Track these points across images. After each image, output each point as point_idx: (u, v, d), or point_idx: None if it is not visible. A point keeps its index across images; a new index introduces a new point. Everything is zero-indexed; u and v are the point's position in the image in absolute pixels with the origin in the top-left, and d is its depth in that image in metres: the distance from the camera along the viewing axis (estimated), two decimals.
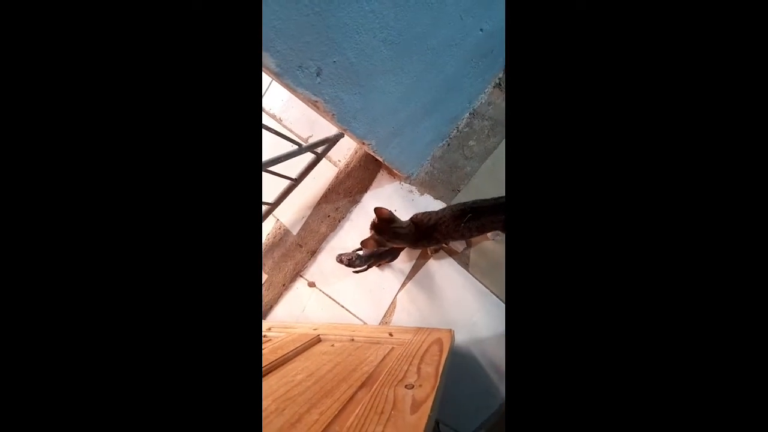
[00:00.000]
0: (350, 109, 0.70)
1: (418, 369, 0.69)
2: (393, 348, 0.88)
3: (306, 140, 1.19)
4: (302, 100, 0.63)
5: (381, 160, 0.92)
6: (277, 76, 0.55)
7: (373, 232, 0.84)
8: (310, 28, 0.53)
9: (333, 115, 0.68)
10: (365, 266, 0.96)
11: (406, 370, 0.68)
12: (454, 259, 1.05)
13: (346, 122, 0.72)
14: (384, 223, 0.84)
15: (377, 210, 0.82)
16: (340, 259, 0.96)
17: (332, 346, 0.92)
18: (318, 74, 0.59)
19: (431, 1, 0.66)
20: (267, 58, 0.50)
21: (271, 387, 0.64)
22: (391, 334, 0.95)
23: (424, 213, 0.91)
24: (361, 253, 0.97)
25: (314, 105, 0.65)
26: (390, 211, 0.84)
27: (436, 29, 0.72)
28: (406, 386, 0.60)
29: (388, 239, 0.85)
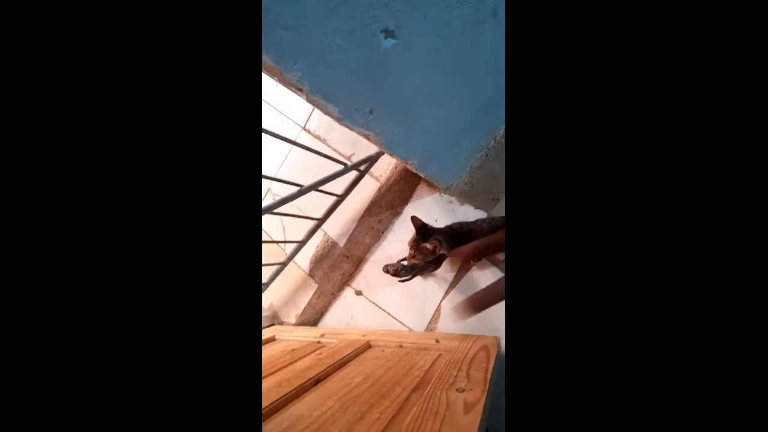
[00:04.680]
0: (396, 138, 0.78)
1: (467, 374, 0.72)
2: (441, 354, 0.92)
3: (349, 158, 1.28)
4: (357, 133, 0.72)
5: (421, 175, 0.98)
6: (339, 119, 0.65)
7: (416, 240, 0.90)
8: (366, 79, 0.62)
9: (382, 143, 0.77)
10: (410, 275, 1.01)
11: (456, 375, 0.72)
12: (497, 267, 1.07)
13: (392, 149, 0.80)
14: (422, 228, 0.90)
15: (414, 218, 0.88)
16: (386, 269, 1.02)
17: (383, 351, 0.98)
18: (371, 113, 0.68)
19: (470, 34, 0.72)
20: (330, 107, 0.59)
21: (332, 388, 0.71)
22: (437, 341, 0.99)
23: (462, 222, 0.96)
24: (405, 263, 1.02)
25: (366, 137, 0.74)
26: (421, 220, 0.90)
27: (474, 58, 0.78)
28: (457, 390, 0.64)
29: (431, 240, 0.90)
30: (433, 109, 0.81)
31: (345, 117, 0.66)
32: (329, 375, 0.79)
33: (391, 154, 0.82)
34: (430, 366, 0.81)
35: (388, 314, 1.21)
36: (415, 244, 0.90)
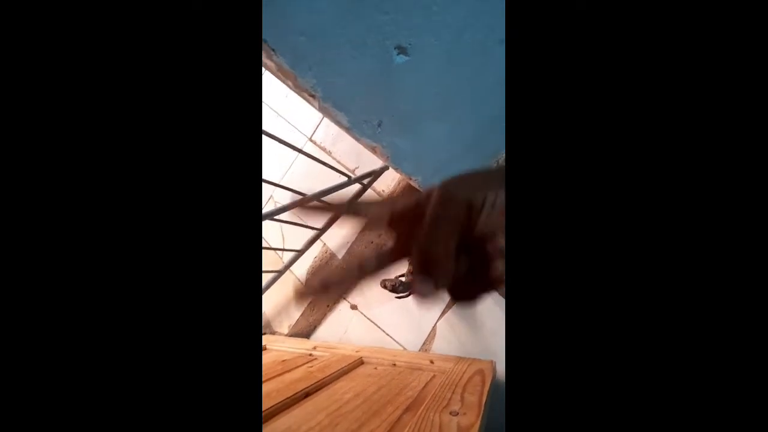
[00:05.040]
0: (402, 152, 0.79)
1: (462, 397, 0.70)
2: (435, 375, 0.90)
3: (353, 171, 1.28)
4: (363, 145, 0.73)
5: (421, 189, 0.99)
6: (347, 129, 0.66)
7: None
8: (377, 91, 0.64)
9: (387, 157, 0.77)
10: (408, 292, 1.00)
11: (450, 398, 0.70)
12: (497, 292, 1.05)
13: (398, 163, 0.80)
14: None
15: None
16: (383, 284, 1.01)
17: (375, 369, 0.95)
18: (379, 125, 0.69)
19: (479, 58, 0.74)
20: (340, 116, 0.60)
21: (322, 403, 0.68)
22: (432, 362, 0.97)
23: None
24: (404, 279, 1.01)
25: (373, 149, 0.74)
26: None
27: (482, 75, 0.79)
28: (450, 413, 0.62)
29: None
30: (440, 127, 0.82)
31: (354, 127, 0.67)
32: (319, 389, 0.77)
33: (396, 168, 0.83)
34: (424, 387, 0.79)
35: (383, 331, 1.19)
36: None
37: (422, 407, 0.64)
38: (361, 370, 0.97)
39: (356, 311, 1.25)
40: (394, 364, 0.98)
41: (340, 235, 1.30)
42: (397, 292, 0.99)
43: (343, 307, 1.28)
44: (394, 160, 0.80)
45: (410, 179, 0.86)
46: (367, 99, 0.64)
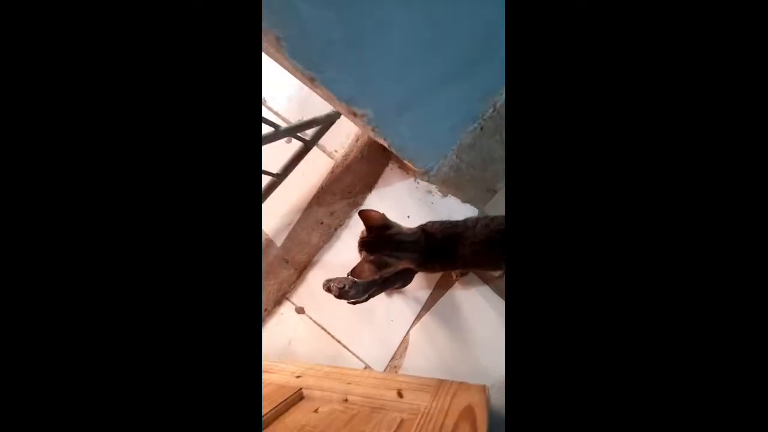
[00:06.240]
0: (351, 82, 0.47)
1: None
2: (403, 420, 0.61)
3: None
4: (301, 74, 0.44)
5: (386, 145, 0.64)
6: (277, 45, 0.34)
7: (364, 251, 0.57)
8: None
9: (330, 90, 0.44)
10: (365, 296, 0.69)
11: None
12: (489, 285, 0.76)
13: (343, 96, 0.47)
14: (378, 231, 0.57)
15: (365, 215, 0.55)
16: (327, 287, 0.69)
17: (316, 411, 0.65)
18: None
19: None
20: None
21: None
22: (401, 394, 0.68)
23: (444, 222, 0.63)
24: (358, 278, 0.69)
25: (311, 80, 0.45)
26: (382, 213, 0.57)
27: None
28: None
29: (390, 255, 0.57)
30: (404, 20, 0.49)
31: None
32: None
33: (343, 104, 0.49)
34: None
35: (338, 342, 0.89)
36: (363, 249, 0.57)
37: None
38: (297, 410, 0.67)
39: (303, 315, 0.94)
40: (346, 400, 0.68)
41: (277, 216, 0.96)
42: (348, 298, 0.67)
43: (286, 310, 0.96)
44: (339, 92, 0.47)
45: (354, 114, 0.53)
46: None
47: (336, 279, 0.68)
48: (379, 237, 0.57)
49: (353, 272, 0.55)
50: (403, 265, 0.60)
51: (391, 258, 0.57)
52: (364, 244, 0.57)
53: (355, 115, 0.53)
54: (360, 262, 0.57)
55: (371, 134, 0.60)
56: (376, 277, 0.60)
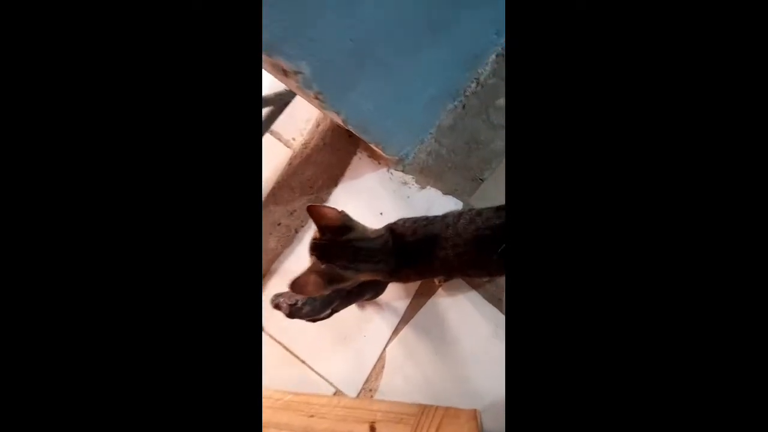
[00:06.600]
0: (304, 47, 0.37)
1: None
2: None
3: None
4: None
5: (339, 121, 0.52)
6: None
7: (314, 258, 0.44)
8: None
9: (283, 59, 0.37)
10: (327, 311, 0.56)
11: None
12: (478, 291, 0.65)
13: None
14: (333, 235, 0.44)
15: (316, 211, 0.43)
16: (276, 304, 0.56)
17: None
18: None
19: None
20: None
21: None
22: (373, 428, 0.56)
23: (417, 219, 0.51)
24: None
25: None
26: (341, 211, 0.45)
27: None
28: None
29: (345, 267, 0.44)
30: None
31: None
32: None
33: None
34: None
35: (303, 363, 0.77)
36: (314, 254, 0.45)
37: None
38: None
39: (263, 333, 0.80)
40: None
41: None
42: (303, 316, 0.54)
43: None
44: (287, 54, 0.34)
45: (285, 73, 0.39)
46: None
47: (286, 293, 0.55)
48: (333, 242, 0.44)
49: (293, 286, 0.43)
50: (364, 277, 0.48)
51: (348, 270, 0.45)
52: (316, 248, 0.44)
53: (284, 73, 0.39)
54: (304, 272, 0.44)
55: (315, 104, 0.47)
56: (325, 293, 0.48)
